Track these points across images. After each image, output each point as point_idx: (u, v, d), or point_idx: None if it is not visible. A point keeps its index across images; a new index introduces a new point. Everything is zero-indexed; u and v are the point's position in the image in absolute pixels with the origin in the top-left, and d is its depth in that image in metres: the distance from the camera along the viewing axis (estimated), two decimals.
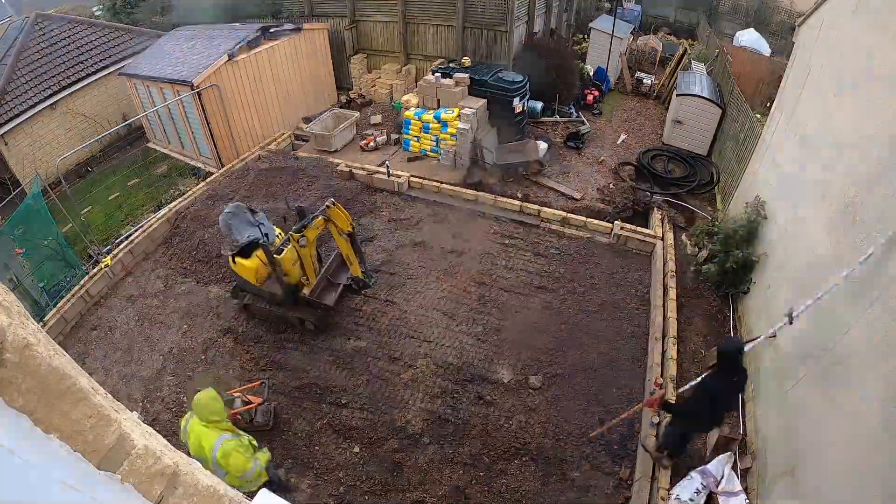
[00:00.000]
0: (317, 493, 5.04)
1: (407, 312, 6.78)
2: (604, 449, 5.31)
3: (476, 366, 6.11)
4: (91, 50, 13.35)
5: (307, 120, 12.08)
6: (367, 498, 4.99)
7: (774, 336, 4.92)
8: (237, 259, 6.12)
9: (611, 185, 9.90)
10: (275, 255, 5.97)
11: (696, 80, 11.50)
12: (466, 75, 10.35)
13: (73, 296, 7.11)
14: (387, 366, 6.14)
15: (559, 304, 6.91)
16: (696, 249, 7.34)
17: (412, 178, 9.30)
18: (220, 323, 6.85)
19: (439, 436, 5.42)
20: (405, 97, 11.19)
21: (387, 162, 9.46)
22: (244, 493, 3.94)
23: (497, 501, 4.95)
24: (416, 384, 5.91)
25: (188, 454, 3.73)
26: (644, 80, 13.99)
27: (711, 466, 4.82)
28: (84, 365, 6.29)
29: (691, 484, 4.71)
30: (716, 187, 9.84)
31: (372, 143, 10.93)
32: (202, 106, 10.02)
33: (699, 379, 4.66)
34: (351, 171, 9.48)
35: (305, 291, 6.25)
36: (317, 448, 5.38)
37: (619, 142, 11.07)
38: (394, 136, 11.14)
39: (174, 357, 6.44)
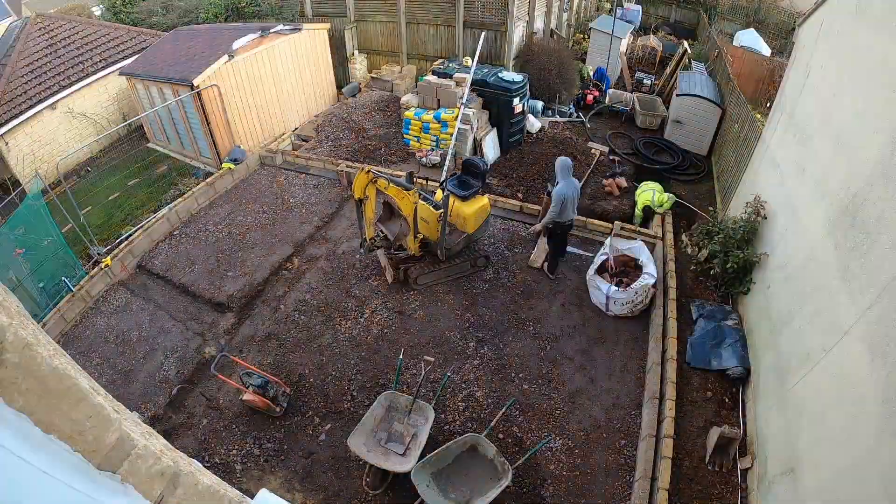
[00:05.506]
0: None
1: None
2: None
3: None
4: (91, 50, 13.34)
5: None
6: None
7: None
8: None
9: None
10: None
11: (696, 80, 11.51)
12: (466, 75, 10.35)
13: (73, 296, 7.11)
14: None
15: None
16: (696, 249, 7.34)
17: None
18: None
19: None
20: (405, 97, 11.19)
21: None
22: None
23: None
24: None
25: None
26: (644, 80, 14.01)
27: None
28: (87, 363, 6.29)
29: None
30: (697, 176, 10.25)
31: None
32: (202, 106, 10.02)
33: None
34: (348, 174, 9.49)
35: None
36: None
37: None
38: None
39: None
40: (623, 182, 9.49)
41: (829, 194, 4.93)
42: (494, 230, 8.17)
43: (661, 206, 8.23)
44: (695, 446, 5.31)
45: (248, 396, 5.46)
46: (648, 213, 8.53)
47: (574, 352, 6.35)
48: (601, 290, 6.68)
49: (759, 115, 9.34)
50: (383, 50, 13.70)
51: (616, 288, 6.65)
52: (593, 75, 13.91)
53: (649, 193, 8.39)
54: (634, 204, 8.78)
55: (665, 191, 8.57)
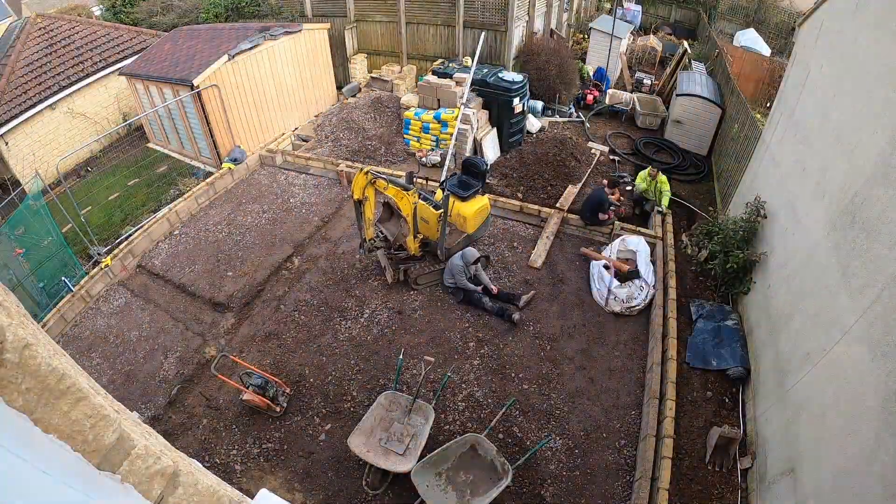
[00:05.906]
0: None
1: None
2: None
3: None
4: (91, 50, 13.33)
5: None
6: None
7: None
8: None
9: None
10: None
11: (696, 80, 11.51)
12: (466, 75, 10.35)
13: (73, 296, 7.11)
14: None
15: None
16: (696, 249, 7.34)
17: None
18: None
19: None
20: (405, 97, 11.19)
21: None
22: None
23: None
24: None
25: None
26: (644, 80, 14.00)
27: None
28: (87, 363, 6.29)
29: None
30: (697, 176, 10.29)
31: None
32: (202, 106, 10.01)
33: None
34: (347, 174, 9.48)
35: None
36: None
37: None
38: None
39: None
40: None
41: (829, 194, 4.93)
42: (494, 230, 8.17)
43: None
44: (695, 446, 5.31)
45: (247, 396, 5.46)
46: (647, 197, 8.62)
47: (574, 352, 6.35)
48: (604, 281, 6.75)
49: (759, 115, 9.34)
50: (383, 50, 13.69)
51: (618, 282, 6.71)
52: (593, 75, 13.91)
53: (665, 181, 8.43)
54: (645, 196, 8.75)
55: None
